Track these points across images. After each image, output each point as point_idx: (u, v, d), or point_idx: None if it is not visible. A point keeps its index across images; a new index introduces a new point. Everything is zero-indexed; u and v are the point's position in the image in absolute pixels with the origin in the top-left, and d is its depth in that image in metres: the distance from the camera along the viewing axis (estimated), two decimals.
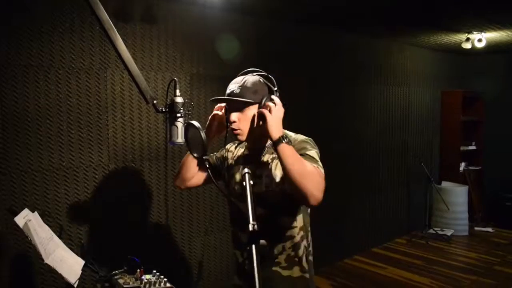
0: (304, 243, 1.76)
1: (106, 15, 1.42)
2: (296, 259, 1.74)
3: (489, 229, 5.87)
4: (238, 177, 1.80)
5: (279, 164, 1.63)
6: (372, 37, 4.90)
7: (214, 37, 3.39)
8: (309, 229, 1.80)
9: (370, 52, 4.96)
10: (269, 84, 1.68)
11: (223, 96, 1.72)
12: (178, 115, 1.61)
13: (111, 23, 1.44)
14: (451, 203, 5.56)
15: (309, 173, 1.47)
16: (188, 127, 1.63)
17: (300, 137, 1.71)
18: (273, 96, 1.62)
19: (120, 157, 2.91)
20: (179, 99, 1.62)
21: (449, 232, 5.52)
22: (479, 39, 4.67)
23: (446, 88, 6.26)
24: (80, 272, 1.68)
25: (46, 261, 1.52)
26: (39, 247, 1.51)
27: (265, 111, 1.57)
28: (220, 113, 1.79)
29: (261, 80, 1.68)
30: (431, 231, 5.58)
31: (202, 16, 3.30)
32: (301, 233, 1.74)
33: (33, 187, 2.54)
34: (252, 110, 1.64)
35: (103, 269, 1.95)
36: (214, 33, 3.38)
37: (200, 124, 1.57)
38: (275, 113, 1.58)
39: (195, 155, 1.64)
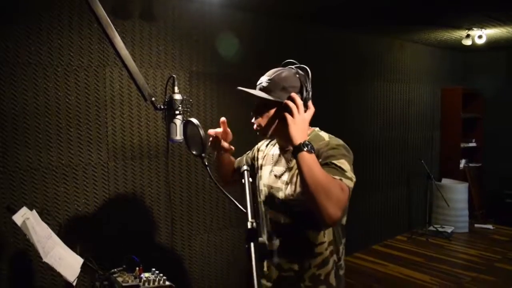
0: (334, 258, 1.63)
1: (104, 12, 1.41)
2: (322, 277, 1.60)
3: (489, 226, 5.87)
4: (265, 179, 1.70)
5: None
6: (372, 34, 4.89)
7: (214, 34, 3.37)
8: (342, 241, 1.67)
9: (370, 49, 4.94)
10: (302, 80, 1.54)
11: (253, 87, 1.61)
12: (177, 112, 1.59)
13: (108, 20, 1.43)
14: (451, 200, 5.56)
15: (326, 187, 1.30)
16: (186, 124, 1.62)
17: (333, 142, 1.55)
18: (293, 94, 1.48)
19: (120, 155, 2.91)
20: (177, 96, 1.60)
21: (449, 229, 5.52)
22: (480, 35, 4.66)
23: (446, 85, 6.24)
24: (79, 270, 1.67)
25: (45, 259, 1.52)
26: (37, 245, 1.51)
27: (287, 114, 1.45)
28: (214, 132, 1.70)
29: (296, 75, 1.55)
30: (431, 228, 5.58)
31: (202, 13, 3.28)
32: (330, 248, 1.61)
33: (32, 185, 2.54)
34: (278, 107, 1.53)
35: (102, 267, 1.94)
36: (213, 30, 3.37)
37: (200, 122, 1.55)
38: (299, 115, 1.45)
39: (194, 152, 1.62)
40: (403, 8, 3.70)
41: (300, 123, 1.44)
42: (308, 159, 1.36)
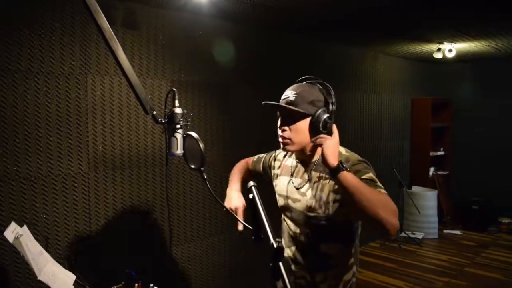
0: (354, 269, 1.69)
1: (108, 24, 1.38)
2: (341, 287, 1.66)
3: (457, 232, 6.07)
4: (283, 190, 1.74)
5: (326, 186, 1.56)
6: (346, 45, 4.99)
7: (196, 43, 3.36)
8: (358, 250, 1.72)
9: (344, 59, 5.05)
10: (325, 95, 1.59)
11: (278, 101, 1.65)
12: (178, 126, 1.57)
13: (112, 32, 1.40)
14: (421, 207, 5.72)
15: (380, 200, 1.37)
16: (185, 138, 1.60)
17: (353, 158, 1.59)
18: (331, 125, 1.55)
19: (100, 165, 2.84)
20: (178, 110, 1.58)
21: (420, 235, 5.67)
22: (450, 49, 4.84)
23: (416, 95, 6.45)
24: (73, 287, 1.62)
25: (39, 277, 1.46)
26: (31, 263, 1.45)
27: (323, 140, 1.49)
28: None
29: (319, 90, 1.60)
30: (403, 234, 5.72)
31: (184, 22, 3.27)
32: (352, 259, 1.67)
33: (10, 197, 2.44)
34: (305, 121, 1.56)
35: (90, 282, 1.89)
36: (196, 39, 3.35)
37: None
38: (332, 140, 1.49)
39: (192, 166, 1.61)
40: (377, 20, 3.80)
41: (333, 148, 1.48)
42: (351, 178, 1.39)
